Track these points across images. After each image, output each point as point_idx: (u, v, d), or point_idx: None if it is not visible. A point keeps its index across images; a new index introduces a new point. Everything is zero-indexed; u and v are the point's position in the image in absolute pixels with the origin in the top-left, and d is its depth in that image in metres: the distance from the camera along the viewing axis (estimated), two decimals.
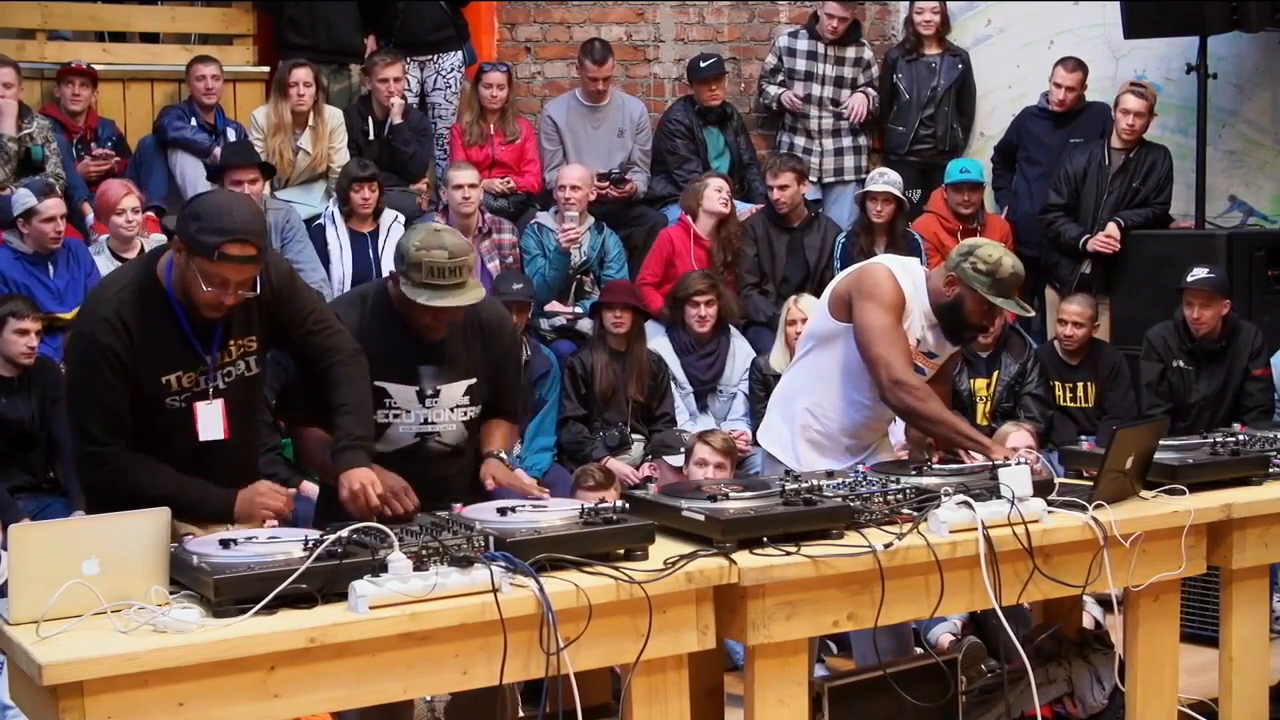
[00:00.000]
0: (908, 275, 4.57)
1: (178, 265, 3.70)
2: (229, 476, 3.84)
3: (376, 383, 3.98)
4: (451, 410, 4.10)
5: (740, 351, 7.40)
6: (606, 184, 8.10)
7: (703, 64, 8.51)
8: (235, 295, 3.66)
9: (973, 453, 4.33)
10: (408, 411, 4.05)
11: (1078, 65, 8.29)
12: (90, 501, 3.92)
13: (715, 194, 7.68)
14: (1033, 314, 4.76)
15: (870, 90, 8.89)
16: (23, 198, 6.57)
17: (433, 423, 4.08)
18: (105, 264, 6.87)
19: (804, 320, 7.00)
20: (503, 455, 4.17)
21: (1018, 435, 5.90)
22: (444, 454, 4.12)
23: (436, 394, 4.07)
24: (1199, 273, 6.91)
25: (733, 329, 7.46)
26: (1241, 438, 4.71)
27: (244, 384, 3.88)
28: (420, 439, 4.08)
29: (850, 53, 8.89)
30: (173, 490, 3.68)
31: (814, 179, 8.64)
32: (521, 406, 4.49)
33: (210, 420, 3.82)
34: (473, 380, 4.12)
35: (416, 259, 3.90)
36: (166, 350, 3.74)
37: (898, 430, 5.04)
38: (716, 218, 7.68)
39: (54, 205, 6.58)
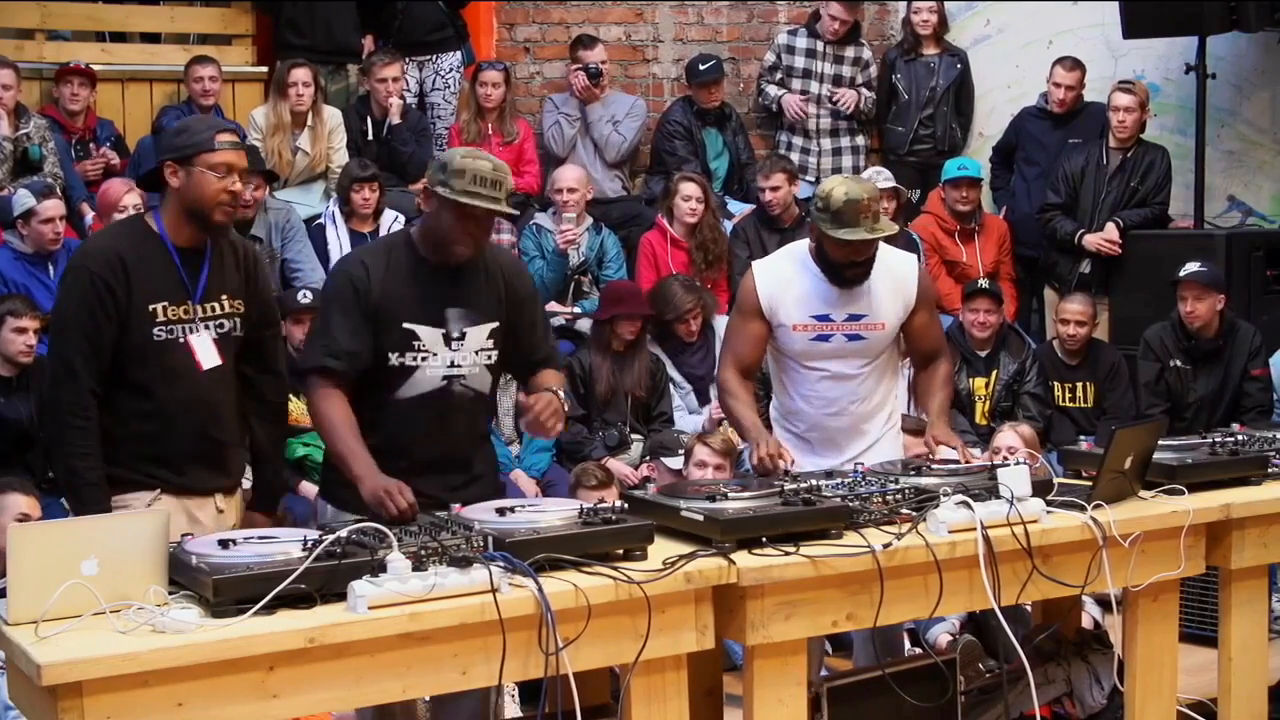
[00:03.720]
0: (786, 259, 4.69)
1: (171, 199, 3.97)
2: (210, 426, 4.04)
3: (405, 324, 3.99)
4: (476, 353, 4.08)
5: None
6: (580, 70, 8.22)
7: (702, 66, 8.52)
8: (244, 180, 4.03)
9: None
10: (435, 354, 4.03)
11: (1076, 64, 8.30)
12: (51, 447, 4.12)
13: (683, 202, 7.70)
14: (893, 230, 4.74)
15: (865, 90, 8.89)
16: (22, 199, 6.56)
17: (458, 365, 4.06)
18: None
19: None
20: (555, 389, 4.10)
21: (1004, 435, 5.91)
22: (468, 397, 4.10)
23: (463, 336, 4.06)
24: (1191, 266, 6.92)
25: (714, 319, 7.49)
26: (1240, 438, 4.71)
27: (230, 341, 4.08)
28: (447, 382, 4.06)
29: (849, 52, 8.90)
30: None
31: (812, 179, 8.64)
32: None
33: (205, 351, 4.00)
34: (495, 324, 4.12)
35: (461, 165, 3.89)
36: (156, 280, 3.95)
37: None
38: (687, 225, 7.70)
39: (53, 206, 6.58)
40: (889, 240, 4.67)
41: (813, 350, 4.63)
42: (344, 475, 3.90)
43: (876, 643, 4.22)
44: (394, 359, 4.00)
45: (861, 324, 4.60)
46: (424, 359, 4.03)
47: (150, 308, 3.94)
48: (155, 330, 3.94)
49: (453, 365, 4.05)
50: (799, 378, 4.69)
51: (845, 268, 4.50)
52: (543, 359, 4.25)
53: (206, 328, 4.02)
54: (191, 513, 4.03)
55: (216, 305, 4.04)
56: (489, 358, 4.12)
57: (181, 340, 3.98)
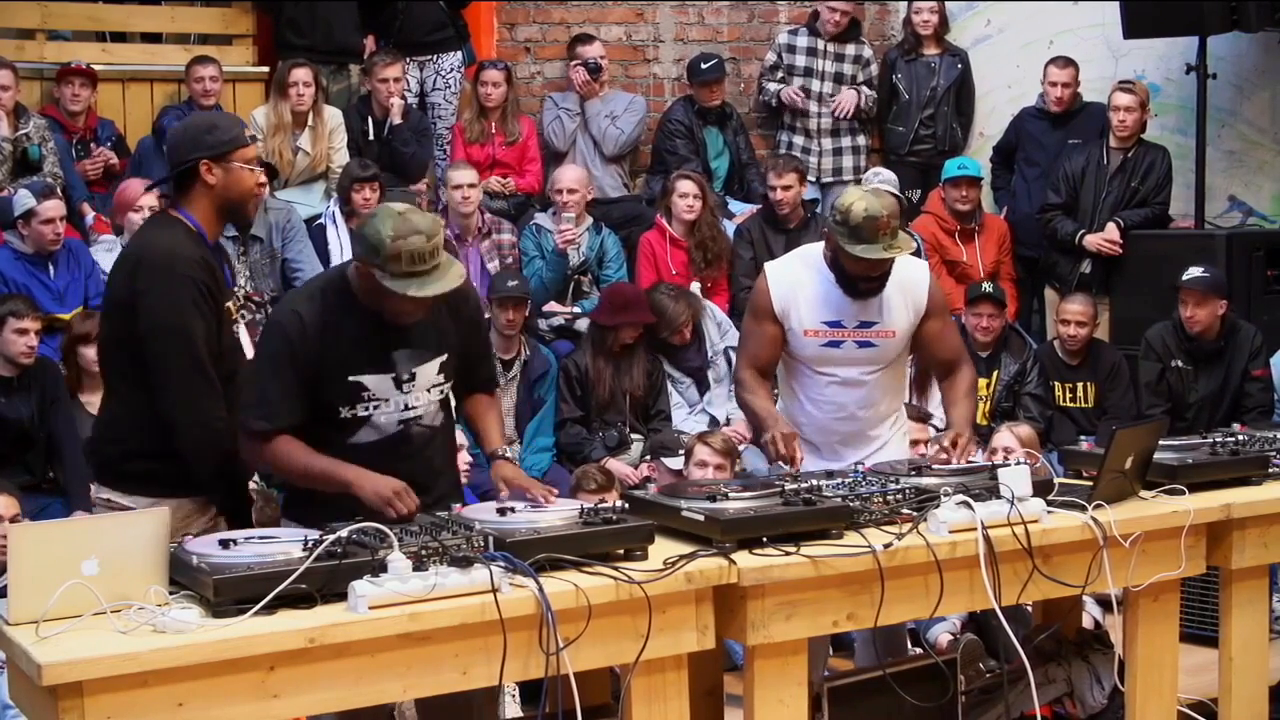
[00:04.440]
0: (799, 263, 4.66)
1: (202, 197, 3.97)
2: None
3: (351, 378, 3.84)
4: (428, 391, 3.96)
5: (709, 320, 7.45)
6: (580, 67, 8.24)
7: (703, 65, 8.52)
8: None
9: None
10: (386, 400, 3.89)
11: (1069, 63, 8.31)
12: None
13: (680, 200, 7.70)
14: (911, 248, 4.75)
15: (865, 89, 8.89)
16: (22, 199, 6.56)
17: (412, 407, 3.94)
18: (109, 263, 6.86)
19: None
20: (508, 454, 4.10)
21: (1001, 436, 5.92)
22: (425, 436, 4.00)
23: (413, 377, 3.92)
24: (1194, 271, 6.91)
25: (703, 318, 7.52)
26: (1241, 438, 4.71)
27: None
28: (404, 425, 3.94)
29: (850, 50, 8.90)
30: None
31: (813, 179, 8.65)
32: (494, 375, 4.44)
33: (247, 342, 4.18)
34: (444, 356, 3.99)
35: (395, 250, 3.65)
36: (220, 277, 3.97)
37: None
38: (685, 224, 7.71)
39: (53, 207, 6.58)
40: None
41: (824, 356, 4.60)
42: (314, 495, 3.84)
43: (879, 642, 4.22)
44: (345, 412, 3.86)
45: (873, 331, 4.58)
46: (375, 407, 3.88)
47: (225, 306, 4.02)
48: (231, 328, 4.04)
49: (406, 409, 3.93)
50: (808, 382, 4.67)
51: (860, 281, 4.47)
52: (480, 383, 4.19)
53: (242, 318, 4.14)
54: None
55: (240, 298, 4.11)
56: (441, 392, 4.01)
57: (238, 335, 4.08)
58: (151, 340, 3.86)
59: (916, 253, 7.40)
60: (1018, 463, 4.12)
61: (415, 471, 3.89)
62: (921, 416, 6.10)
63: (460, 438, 4.89)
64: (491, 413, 4.22)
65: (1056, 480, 4.18)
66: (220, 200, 3.98)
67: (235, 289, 4.06)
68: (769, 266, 4.73)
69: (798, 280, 4.60)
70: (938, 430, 6.19)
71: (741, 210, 8.42)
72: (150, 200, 6.85)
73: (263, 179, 4.01)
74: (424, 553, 3.32)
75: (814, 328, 4.57)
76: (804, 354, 4.63)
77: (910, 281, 4.60)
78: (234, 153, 3.95)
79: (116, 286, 4.03)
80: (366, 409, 3.87)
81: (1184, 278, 6.90)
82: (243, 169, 3.96)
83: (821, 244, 4.62)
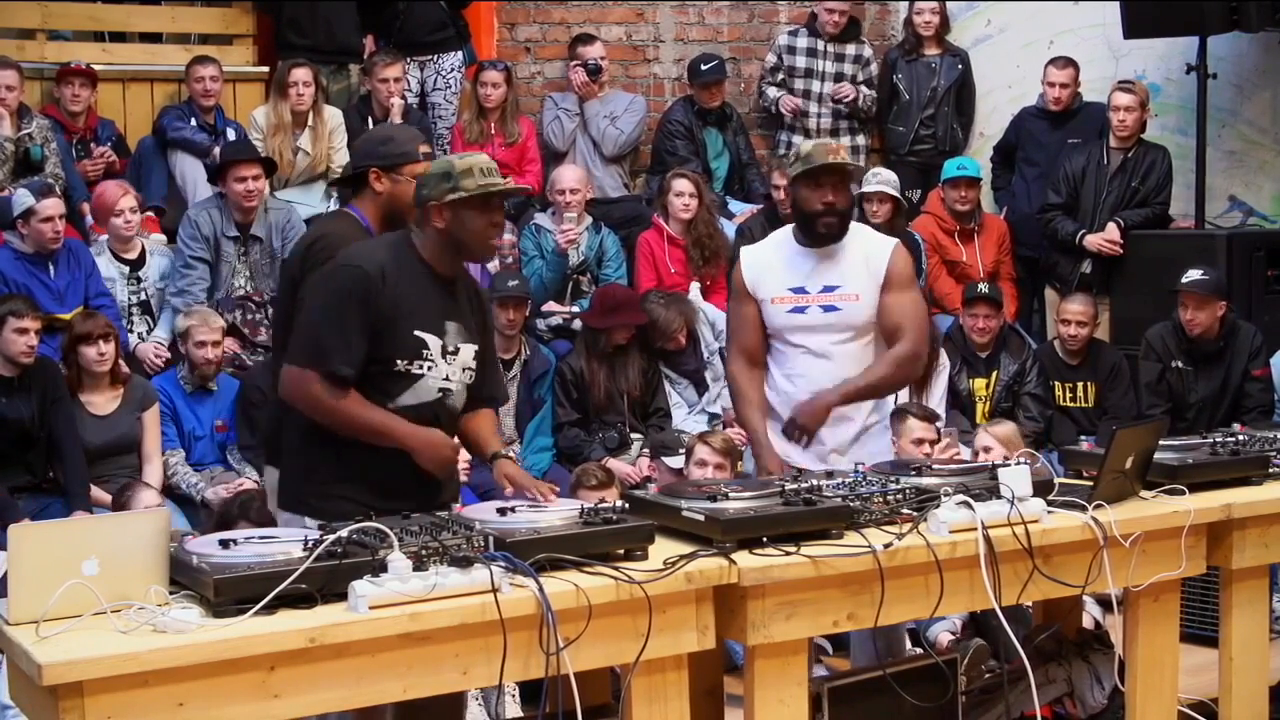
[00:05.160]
0: (769, 241, 4.92)
1: (371, 200, 4.28)
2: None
3: (417, 332, 3.93)
4: (463, 371, 4.05)
5: (704, 323, 7.48)
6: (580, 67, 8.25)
7: (703, 66, 8.52)
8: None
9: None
10: (435, 365, 3.98)
11: (1068, 63, 8.32)
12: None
13: (676, 199, 7.71)
14: (860, 169, 5.05)
15: (864, 89, 8.89)
16: (21, 198, 6.56)
17: (450, 379, 4.02)
18: (105, 264, 6.88)
19: None
20: (510, 454, 4.14)
21: (980, 437, 5.99)
22: (454, 414, 4.07)
23: (456, 351, 4.02)
24: (1193, 274, 6.91)
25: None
26: (1241, 438, 4.71)
27: None
28: (442, 394, 4.01)
29: (850, 50, 8.90)
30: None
31: None
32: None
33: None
34: (478, 347, 4.10)
35: (465, 165, 3.90)
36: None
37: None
38: (682, 222, 7.71)
39: (53, 205, 6.57)
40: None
41: (791, 324, 4.70)
42: (313, 488, 3.94)
43: (879, 643, 4.22)
44: (401, 365, 3.93)
45: (836, 295, 4.67)
46: (428, 368, 3.96)
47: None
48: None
49: (447, 379, 4.01)
50: (781, 356, 4.75)
51: (820, 217, 4.62)
52: (487, 396, 4.22)
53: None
54: None
55: None
56: (470, 377, 4.08)
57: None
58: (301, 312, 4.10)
59: (916, 253, 7.41)
60: (1018, 463, 4.12)
61: None
62: (928, 416, 6.11)
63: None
64: (490, 421, 4.26)
65: (1057, 480, 4.18)
66: (385, 206, 4.27)
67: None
68: (744, 249, 4.93)
69: (766, 256, 4.81)
70: (941, 431, 6.21)
71: (741, 210, 8.42)
72: (130, 203, 6.87)
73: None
74: (424, 553, 3.32)
75: (779, 294, 4.71)
76: (774, 325, 4.74)
77: (875, 250, 4.73)
78: (404, 167, 4.23)
79: (291, 266, 4.39)
80: (421, 366, 3.96)
81: (1183, 281, 6.90)
82: (409, 182, 4.17)
83: (786, 227, 4.85)
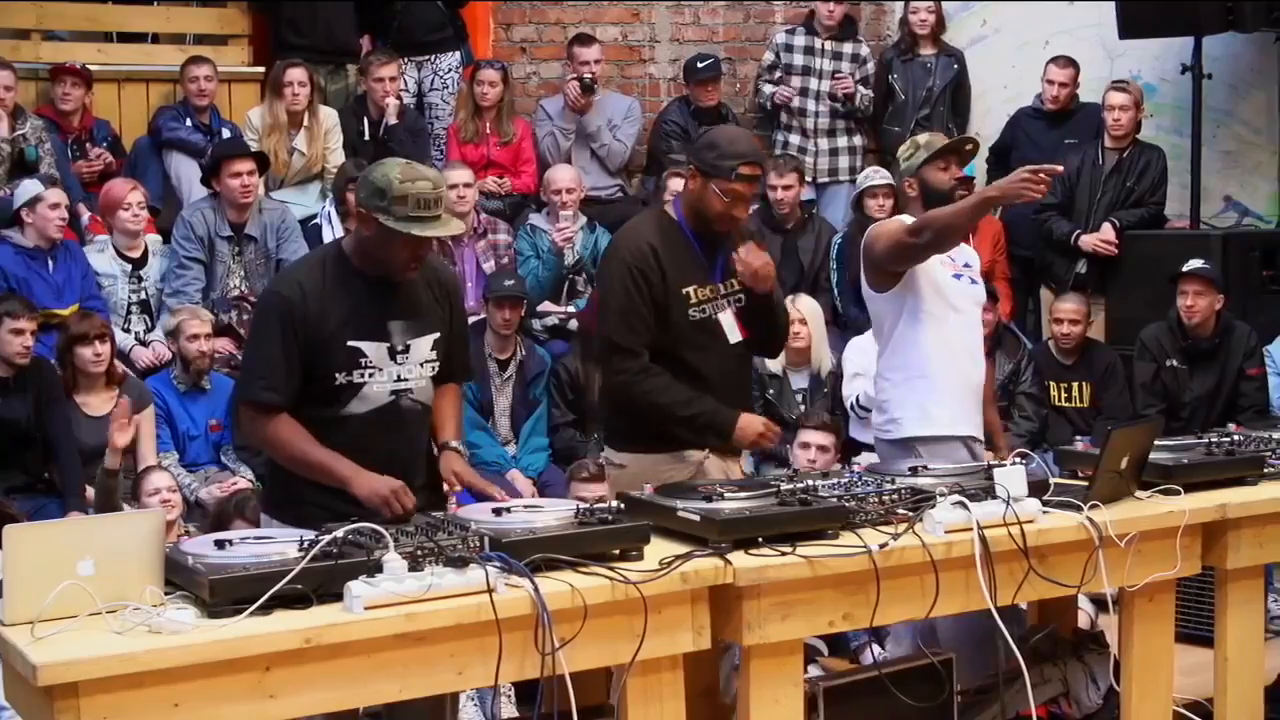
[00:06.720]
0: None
1: (687, 195, 4.50)
2: (728, 395, 4.47)
3: (350, 343, 3.88)
4: (421, 365, 4.01)
5: None
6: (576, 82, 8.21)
7: (700, 65, 8.52)
8: (748, 206, 4.54)
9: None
10: (380, 369, 3.93)
11: (1069, 62, 8.32)
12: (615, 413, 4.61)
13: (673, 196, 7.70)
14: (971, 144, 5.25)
15: (861, 88, 8.89)
16: (28, 187, 6.59)
17: (404, 379, 3.98)
18: (105, 264, 6.88)
19: (803, 320, 7.01)
20: (460, 447, 4.13)
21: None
22: (415, 411, 4.03)
23: (407, 349, 3.97)
24: (1195, 262, 6.93)
25: None
26: (1236, 438, 4.71)
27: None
28: (395, 396, 3.97)
29: (847, 48, 8.89)
30: (688, 399, 4.38)
31: (809, 178, 8.64)
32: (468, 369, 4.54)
33: (731, 326, 4.53)
34: (438, 334, 4.04)
35: (402, 192, 3.76)
36: (685, 266, 4.45)
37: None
38: None
39: (58, 194, 6.63)
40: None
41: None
42: (296, 493, 3.88)
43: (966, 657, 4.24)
44: (340, 378, 3.89)
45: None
46: (370, 375, 3.92)
47: (684, 291, 4.45)
48: (690, 310, 4.45)
49: (399, 380, 3.97)
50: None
51: (955, 191, 4.97)
52: (455, 371, 4.20)
53: (729, 304, 4.53)
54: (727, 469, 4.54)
55: (726, 284, 4.53)
56: (433, 369, 4.05)
57: (714, 318, 4.49)
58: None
59: None
60: (1015, 462, 4.12)
61: (404, 450, 3.98)
62: (825, 426, 6.30)
63: None
64: (454, 402, 4.24)
65: (1052, 480, 4.19)
66: (693, 208, 4.47)
67: (720, 282, 4.53)
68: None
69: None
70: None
71: None
72: (138, 197, 6.87)
73: (734, 211, 4.40)
74: (420, 553, 3.32)
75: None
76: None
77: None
78: (717, 179, 4.37)
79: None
80: (362, 375, 3.92)
81: (1185, 268, 6.91)
82: (716, 194, 4.37)
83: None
